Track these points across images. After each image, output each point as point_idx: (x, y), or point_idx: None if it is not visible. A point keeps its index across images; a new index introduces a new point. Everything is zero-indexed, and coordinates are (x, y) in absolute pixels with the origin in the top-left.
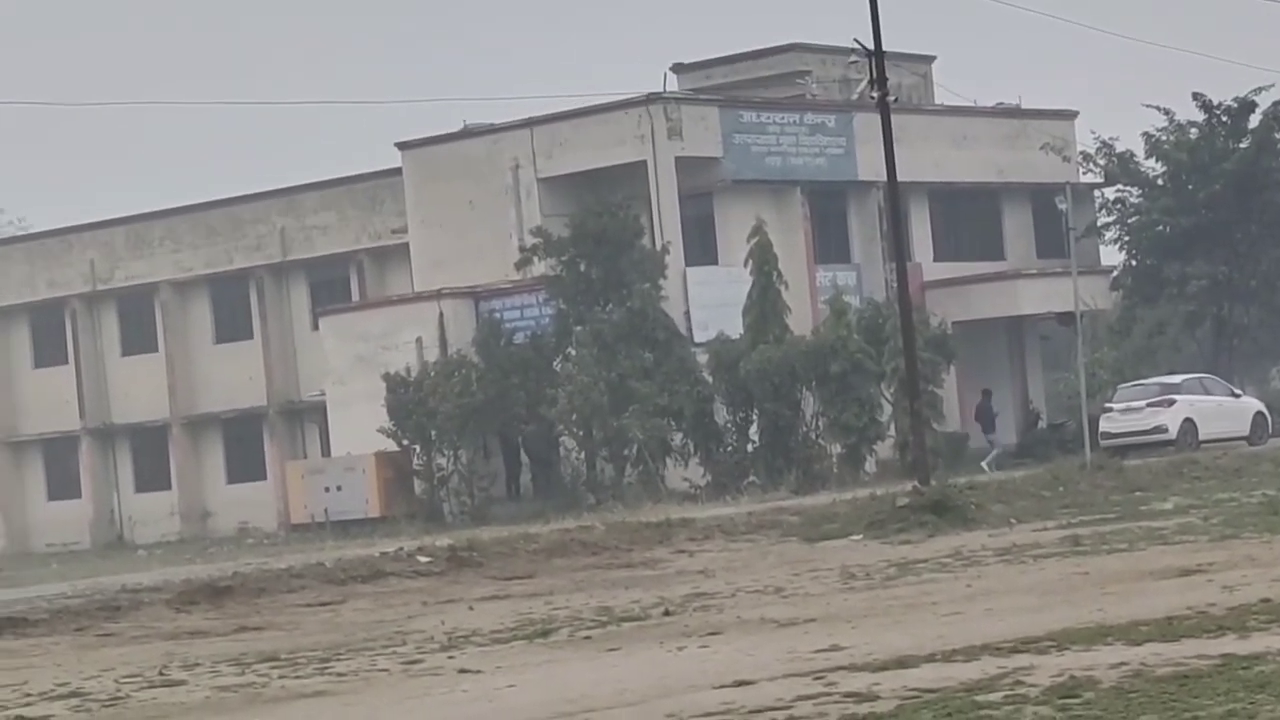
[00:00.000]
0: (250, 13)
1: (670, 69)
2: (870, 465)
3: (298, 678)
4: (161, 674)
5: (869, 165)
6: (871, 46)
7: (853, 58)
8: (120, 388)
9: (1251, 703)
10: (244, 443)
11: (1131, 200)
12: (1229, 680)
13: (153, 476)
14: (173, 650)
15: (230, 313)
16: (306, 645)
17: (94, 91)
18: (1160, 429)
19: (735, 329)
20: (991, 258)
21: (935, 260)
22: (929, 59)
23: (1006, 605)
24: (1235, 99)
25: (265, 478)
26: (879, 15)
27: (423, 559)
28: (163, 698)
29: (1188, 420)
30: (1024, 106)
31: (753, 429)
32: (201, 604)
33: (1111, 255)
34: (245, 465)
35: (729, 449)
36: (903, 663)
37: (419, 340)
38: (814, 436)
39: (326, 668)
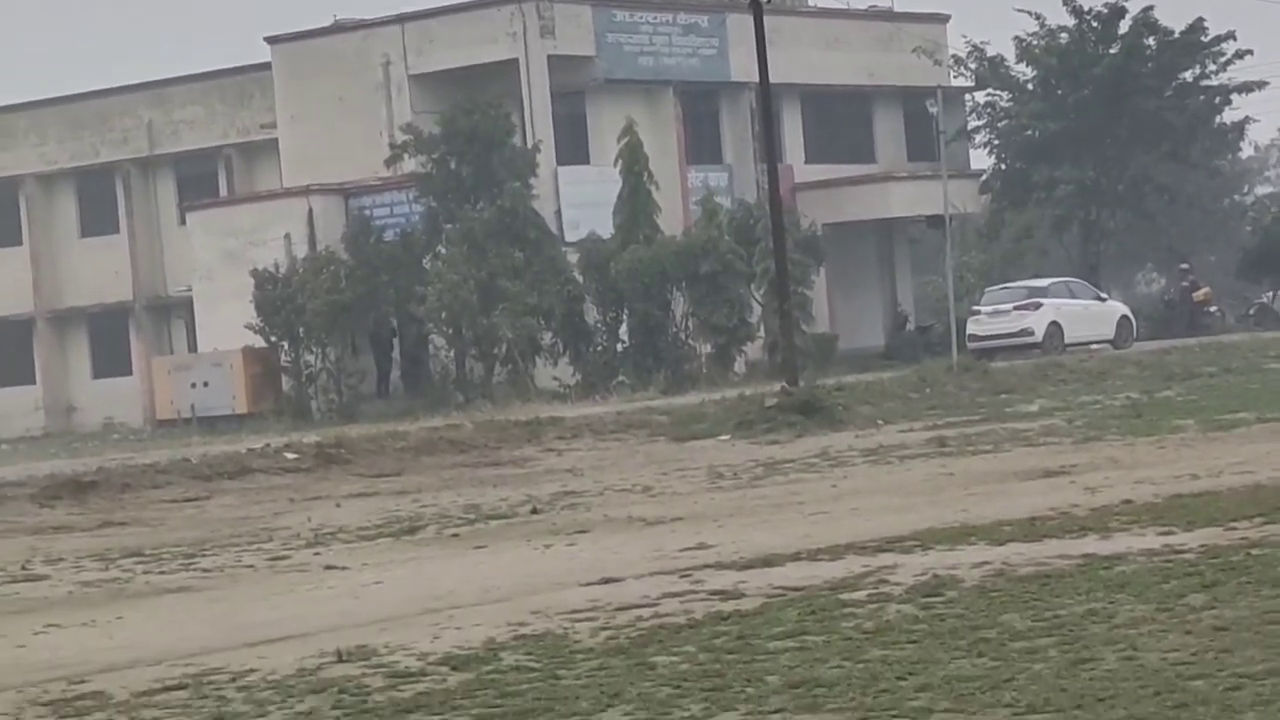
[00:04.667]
0: None
1: None
2: (739, 366)
3: (162, 573)
4: (25, 569)
5: (741, 66)
6: None
7: None
8: None
9: (1111, 602)
10: (110, 338)
11: (1002, 104)
12: (1090, 580)
13: (17, 371)
14: (36, 545)
15: (96, 207)
16: (171, 541)
17: None
18: (1026, 332)
19: (606, 229)
20: (862, 160)
21: (806, 162)
22: None
23: (872, 505)
24: (1105, 4)
25: (131, 373)
26: None
27: (290, 455)
28: (26, 592)
29: (1053, 323)
30: (896, 10)
31: (622, 329)
32: (65, 499)
33: (981, 159)
34: (111, 360)
35: (598, 348)
36: (768, 561)
37: (287, 237)
38: (684, 337)
39: (192, 563)
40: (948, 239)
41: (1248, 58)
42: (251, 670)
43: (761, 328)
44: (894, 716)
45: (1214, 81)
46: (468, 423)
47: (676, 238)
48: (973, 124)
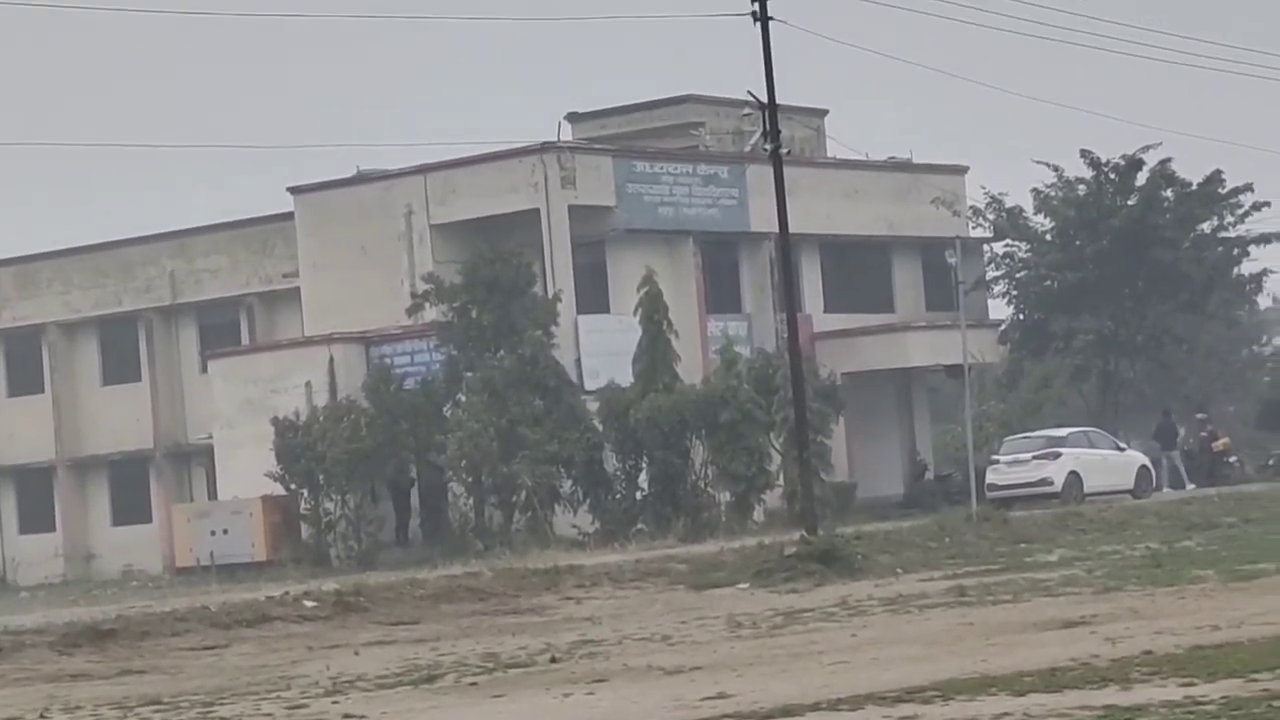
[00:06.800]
0: (141, 55)
1: (565, 118)
2: (758, 514)
3: None
4: (43, 717)
5: (761, 216)
6: (765, 99)
7: (746, 110)
8: (6, 428)
9: None
10: (130, 485)
11: (1020, 255)
12: None
13: (37, 518)
14: (54, 693)
15: (118, 355)
16: (190, 689)
17: None
18: (1045, 481)
19: (626, 377)
20: (881, 310)
21: (825, 311)
22: (821, 112)
23: (892, 655)
24: (1123, 157)
25: (151, 520)
26: (772, 69)
27: (308, 603)
28: None
29: (1073, 473)
30: (915, 161)
31: (642, 477)
32: (84, 646)
33: (1000, 309)
34: (131, 508)
35: (618, 496)
36: (789, 711)
37: (308, 384)
38: (703, 485)
39: (210, 712)
40: (967, 388)
41: (1265, 209)
42: None
43: (780, 476)
44: None
45: (1232, 233)
46: (486, 571)
47: (696, 386)
48: (991, 274)
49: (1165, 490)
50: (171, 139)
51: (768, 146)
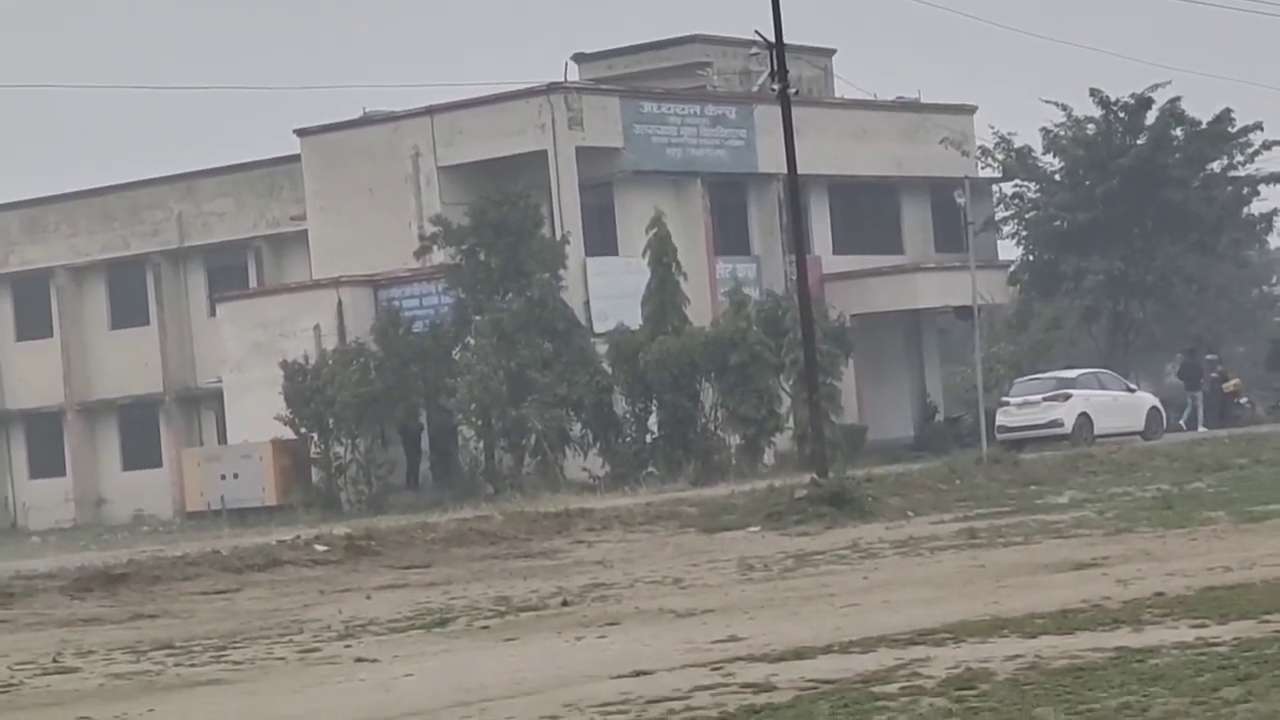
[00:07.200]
0: None
1: (571, 58)
2: (769, 457)
3: (193, 665)
4: (55, 661)
5: (769, 157)
6: (772, 39)
7: (754, 50)
8: (15, 373)
9: (1145, 695)
10: (140, 429)
11: (1029, 195)
12: (1123, 673)
13: (47, 463)
14: (67, 637)
15: (126, 299)
16: (202, 633)
17: None
18: (1056, 423)
19: (635, 320)
20: (890, 251)
21: (834, 253)
22: (829, 52)
23: (903, 597)
24: (1132, 96)
25: (161, 465)
26: (780, 7)
27: (320, 547)
28: (57, 685)
29: (1083, 414)
30: (923, 101)
31: (652, 420)
32: (96, 591)
33: (1009, 250)
34: (141, 452)
35: (628, 439)
36: (800, 654)
37: (317, 328)
38: (713, 428)
39: (222, 656)
40: (976, 330)
41: (1276, 149)
42: None
43: (790, 419)
44: None
45: (1242, 172)
46: (497, 514)
47: (705, 329)
48: (1000, 215)
49: (1182, 425)
50: (177, 81)
51: (775, 86)
